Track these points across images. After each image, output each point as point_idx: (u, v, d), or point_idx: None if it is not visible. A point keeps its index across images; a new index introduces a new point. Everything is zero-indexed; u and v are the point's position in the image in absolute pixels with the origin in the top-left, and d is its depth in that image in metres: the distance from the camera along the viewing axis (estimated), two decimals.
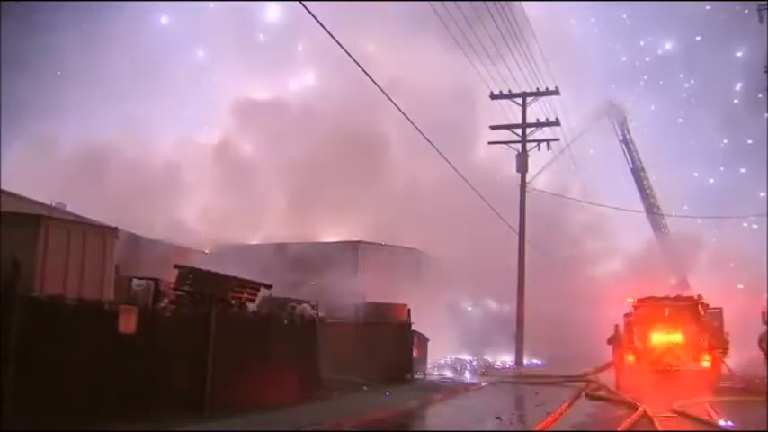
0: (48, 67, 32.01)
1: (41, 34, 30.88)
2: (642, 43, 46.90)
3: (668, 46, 46.81)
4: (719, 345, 21.06)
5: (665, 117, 44.61)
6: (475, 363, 26.88)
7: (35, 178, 21.67)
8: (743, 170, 39.84)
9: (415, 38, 31.64)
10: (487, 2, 24.04)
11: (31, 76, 29.68)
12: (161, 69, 35.31)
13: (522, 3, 29.30)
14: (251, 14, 40.67)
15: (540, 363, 29.55)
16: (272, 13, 41.52)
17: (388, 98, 15.56)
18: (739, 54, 41.52)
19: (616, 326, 21.70)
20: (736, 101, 42.15)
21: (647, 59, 46.63)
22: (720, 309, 23.16)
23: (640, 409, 13.78)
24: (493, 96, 28.77)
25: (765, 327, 19.84)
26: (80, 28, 31.97)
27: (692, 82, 45.32)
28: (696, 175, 41.62)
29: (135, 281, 12.97)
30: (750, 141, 40.25)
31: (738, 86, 42.31)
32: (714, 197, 36.07)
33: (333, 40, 12.62)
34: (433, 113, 25.09)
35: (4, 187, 16.22)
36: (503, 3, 25.46)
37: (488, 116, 29.87)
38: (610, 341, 21.66)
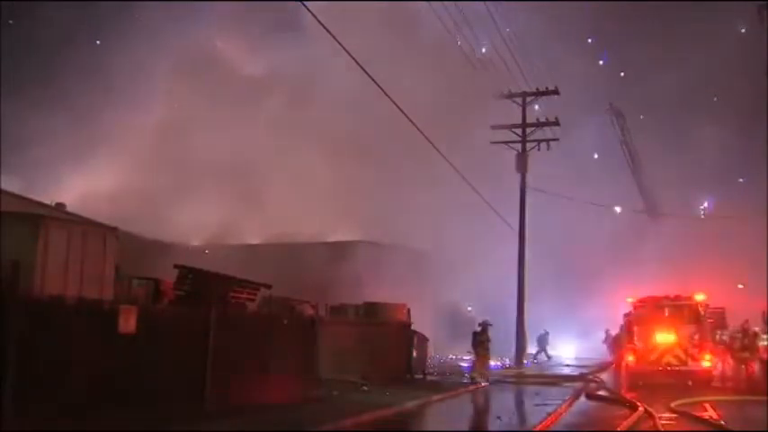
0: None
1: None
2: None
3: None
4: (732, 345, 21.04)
5: (665, 116, 44.41)
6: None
7: None
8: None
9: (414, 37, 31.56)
10: (488, 2, 24.06)
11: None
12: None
13: (523, 3, 29.29)
14: None
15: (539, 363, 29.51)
16: None
17: (389, 98, 15.57)
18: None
19: (621, 325, 21.67)
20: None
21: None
22: (723, 309, 23.13)
23: (640, 408, 13.77)
24: (493, 96, 28.74)
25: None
26: None
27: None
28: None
29: (135, 281, 12.98)
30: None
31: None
32: (714, 197, 36.04)
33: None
34: (432, 112, 25.07)
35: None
36: (503, 3, 25.48)
37: (488, 116, 29.84)
38: (610, 343, 21.69)
